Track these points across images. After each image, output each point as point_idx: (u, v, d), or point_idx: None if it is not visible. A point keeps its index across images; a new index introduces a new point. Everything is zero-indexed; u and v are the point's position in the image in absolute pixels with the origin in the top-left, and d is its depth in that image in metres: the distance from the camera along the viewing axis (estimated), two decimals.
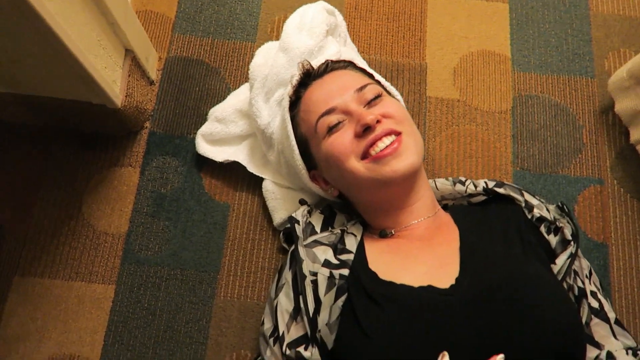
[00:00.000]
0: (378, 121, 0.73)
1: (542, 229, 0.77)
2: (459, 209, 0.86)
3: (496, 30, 1.10)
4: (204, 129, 0.97)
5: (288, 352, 0.68)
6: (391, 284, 0.67)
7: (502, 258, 0.71)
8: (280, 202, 0.92)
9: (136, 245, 0.94)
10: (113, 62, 0.85)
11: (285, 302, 0.73)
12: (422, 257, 0.73)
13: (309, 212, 0.85)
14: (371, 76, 0.85)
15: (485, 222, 0.80)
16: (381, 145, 0.73)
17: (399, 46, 1.08)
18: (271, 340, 0.72)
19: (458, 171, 1.00)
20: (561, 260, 0.73)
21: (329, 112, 0.76)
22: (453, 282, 0.67)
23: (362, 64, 0.88)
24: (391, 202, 0.77)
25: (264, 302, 0.91)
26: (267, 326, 0.74)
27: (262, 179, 0.95)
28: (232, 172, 0.98)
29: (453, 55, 1.08)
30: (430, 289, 0.66)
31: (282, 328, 0.71)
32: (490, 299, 0.63)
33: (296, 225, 0.80)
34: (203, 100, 1.03)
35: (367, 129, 0.73)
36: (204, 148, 0.96)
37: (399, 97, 0.87)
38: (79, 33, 0.72)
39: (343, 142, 0.75)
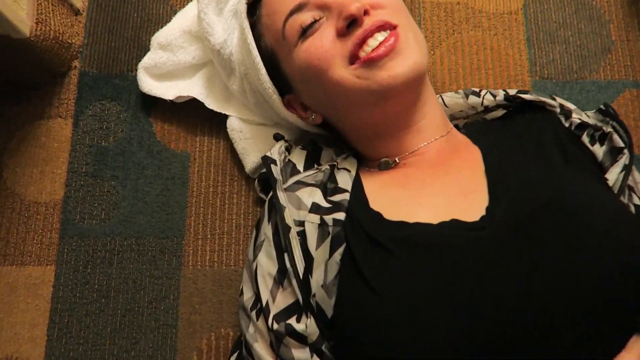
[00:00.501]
0: (366, 12, 0.55)
1: (585, 138, 0.61)
2: (476, 125, 0.69)
3: None
4: (147, 60, 0.77)
5: (276, 326, 0.51)
6: (402, 223, 0.51)
7: (542, 175, 0.55)
8: (251, 143, 0.74)
9: (76, 213, 0.75)
10: None
11: (266, 263, 0.55)
12: (438, 186, 0.57)
13: (287, 149, 0.67)
14: None
15: (512, 136, 0.63)
16: (373, 43, 0.55)
17: None
18: (253, 314, 0.55)
19: (465, 87, 0.82)
20: (613, 174, 0.57)
21: (299, 8, 0.58)
22: (483, 212, 0.51)
23: None
24: (392, 121, 0.60)
25: (243, 268, 0.73)
26: (247, 296, 0.57)
27: (226, 117, 0.76)
28: (189, 112, 0.78)
29: None
30: (454, 223, 0.50)
31: (265, 297, 0.53)
32: (534, 228, 0.47)
33: (272, 166, 0.62)
34: (144, 29, 0.82)
35: (352, 23, 0.55)
36: (150, 85, 0.76)
37: None
38: None
39: (322, 44, 0.56)
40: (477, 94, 0.69)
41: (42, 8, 0.71)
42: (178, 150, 0.78)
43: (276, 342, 0.51)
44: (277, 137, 0.69)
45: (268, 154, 0.64)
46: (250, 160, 0.74)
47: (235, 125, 0.75)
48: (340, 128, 0.66)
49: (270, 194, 0.60)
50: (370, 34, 0.55)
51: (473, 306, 0.44)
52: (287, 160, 0.65)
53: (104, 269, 0.73)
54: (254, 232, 0.62)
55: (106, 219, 0.75)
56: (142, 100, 0.79)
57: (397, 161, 0.61)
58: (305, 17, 0.57)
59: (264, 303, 0.53)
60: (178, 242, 0.74)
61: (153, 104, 0.79)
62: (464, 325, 0.44)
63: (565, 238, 0.46)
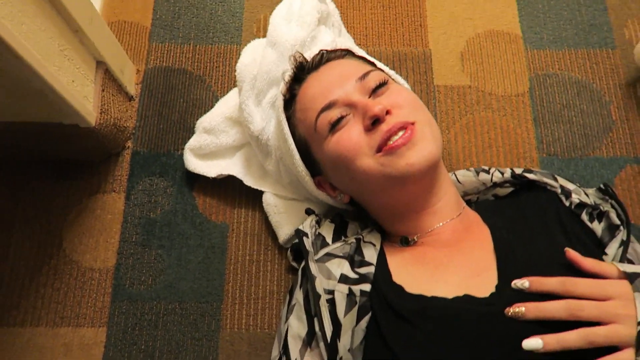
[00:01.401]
0: (388, 112, 0.63)
1: (584, 216, 0.67)
2: (486, 204, 0.76)
3: (502, 8, 1.01)
4: (192, 142, 0.87)
5: None
6: (421, 297, 0.57)
7: (546, 253, 0.61)
8: (285, 216, 0.82)
9: (127, 279, 0.83)
10: (82, 75, 0.76)
11: (296, 325, 0.62)
12: (453, 265, 0.63)
13: (318, 223, 0.75)
14: (372, 64, 0.75)
15: (518, 215, 0.70)
16: (395, 137, 0.62)
17: (398, 34, 0.99)
18: None
19: (478, 163, 0.89)
20: (612, 249, 0.62)
21: (329, 106, 0.66)
22: (493, 290, 0.56)
23: (361, 52, 0.78)
24: (411, 203, 0.67)
25: (275, 332, 0.80)
26: (274, 354, 0.63)
27: (261, 193, 0.85)
28: (228, 188, 0.87)
29: (459, 38, 0.98)
30: (467, 299, 0.56)
31: (294, 356, 0.60)
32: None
33: (304, 238, 0.69)
34: (189, 112, 0.93)
35: (375, 121, 0.63)
36: (194, 164, 0.86)
37: (406, 85, 0.77)
38: (36, 41, 0.62)
39: (350, 137, 0.64)
40: (487, 172, 0.76)
41: (105, 99, 0.82)
42: (218, 221, 0.86)
43: None
44: (309, 212, 0.77)
45: (301, 227, 0.72)
46: (284, 232, 0.82)
47: (270, 200, 0.83)
48: (365, 206, 0.74)
49: (303, 263, 0.67)
50: (393, 132, 0.63)
51: None
52: (317, 233, 0.72)
53: (150, 330, 0.80)
54: (287, 297, 0.69)
55: (153, 284, 0.83)
56: (186, 177, 0.88)
57: (416, 240, 0.68)
58: (334, 114, 0.66)
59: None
60: (217, 306, 0.81)
61: (196, 179, 0.88)
62: None
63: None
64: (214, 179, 0.86)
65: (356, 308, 0.58)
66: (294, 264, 0.80)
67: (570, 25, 0.99)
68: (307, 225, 0.73)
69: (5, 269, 0.83)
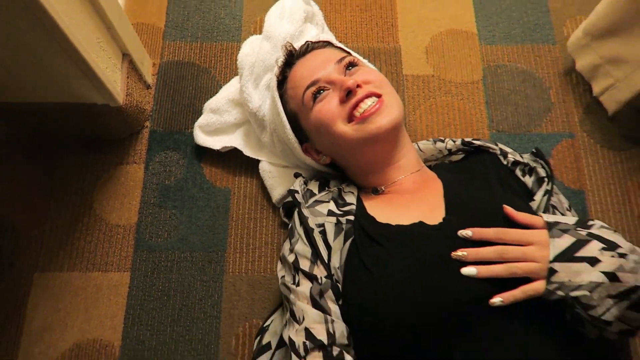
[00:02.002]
0: (358, 85, 0.80)
1: (518, 172, 0.84)
2: (442, 166, 0.93)
3: (462, 10, 1.19)
4: (201, 120, 1.04)
5: (323, 280, 0.72)
6: (388, 225, 0.73)
7: (484, 199, 0.78)
8: (277, 180, 0.99)
9: (146, 233, 1.00)
10: (112, 63, 0.93)
11: (303, 248, 0.76)
12: (412, 205, 0.80)
13: (305, 182, 0.92)
14: (348, 53, 0.93)
15: (465, 173, 0.87)
16: (364, 106, 0.79)
17: (373, 33, 1.17)
18: (293, 286, 0.74)
19: None
20: (538, 196, 0.79)
21: (313, 83, 0.83)
22: (441, 220, 0.73)
23: (340, 45, 0.96)
24: (379, 160, 0.84)
25: (271, 274, 0.97)
26: (288, 277, 0.77)
27: (258, 161, 1.02)
28: (230, 158, 1.05)
29: (424, 36, 1.17)
30: (421, 224, 0.72)
31: (306, 268, 0.74)
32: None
33: (295, 194, 0.86)
34: (197, 98, 1.10)
35: (349, 93, 0.80)
36: (202, 139, 1.03)
37: (376, 69, 0.95)
38: (82, 33, 0.80)
39: (330, 108, 0.81)
40: (442, 141, 0.94)
41: (129, 85, 0.99)
42: (222, 186, 1.04)
43: (319, 295, 0.71)
44: (297, 175, 0.95)
45: (292, 187, 0.89)
46: (277, 193, 0.99)
47: (265, 167, 1.01)
48: (343, 166, 0.91)
49: (295, 214, 0.83)
50: (361, 99, 0.80)
51: (434, 279, 0.66)
52: (305, 189, 0.89)
53: (166, 274, 0.97)
54: (287, 239, 0.83)
55: (168, 237, 1.00)
56: (195, 150, 1.06)
57: (384, 189, 0.85)
58: (316, 89, 0.83)
59: (307, 270, 0.74)
60: (221, 255, 0.98)
61: (203, 152, 1.05)
62: (429, 292, 0.65)
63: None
64: (219, 151, 1.03)
65: (343, 233, 0.75)
66: (285, 219, 0.97)
67: (519, 25, 1.18)
68: (297, 184, 0.90)
69: (46, 227, 1.00)
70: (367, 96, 0.79)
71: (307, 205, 0.83)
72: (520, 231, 0.67)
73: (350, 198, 0.82)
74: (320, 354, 0.67)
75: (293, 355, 0.69)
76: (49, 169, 1.04)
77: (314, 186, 0.89)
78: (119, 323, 0.94)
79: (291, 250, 0.78)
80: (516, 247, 0.65)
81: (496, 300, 0.62)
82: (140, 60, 1.05)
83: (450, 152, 0.93)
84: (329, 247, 0.75)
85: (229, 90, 1.05)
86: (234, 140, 1.03)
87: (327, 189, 0.89)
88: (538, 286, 0.62)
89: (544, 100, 1.11)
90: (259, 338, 0.86)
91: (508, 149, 0.89)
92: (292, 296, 0.74)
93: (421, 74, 1.13)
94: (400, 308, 0.65)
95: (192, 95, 1.11)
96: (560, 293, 0.61)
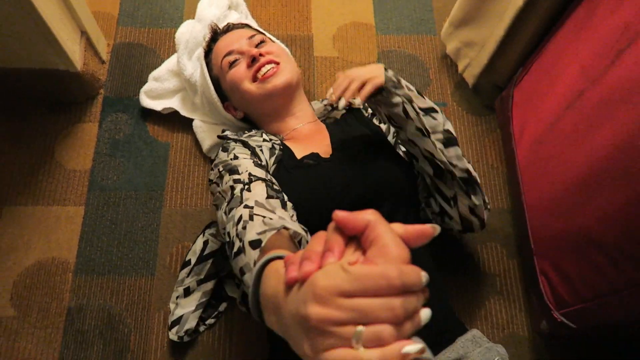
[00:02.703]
0: (261, 54, 1.06)
1: (375, 120, 1.12)
2: (329, 122, 1.20)
3: (364, 7, 1.48)
4: (146, 87, 1.29)
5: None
6: (295, 157, 0.99)
7: (358, 140, 1.05)
8: (207, 134, 1.24)
9: (99, 177, 1.23)
10: (72, 37, 1.17)
11: (242, 151, 0.94)
12: (309, 147, 1.05)
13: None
14: (262, 33, 1.20)
15: (344, 125, 1.14)
16: (264, 70, 1.04)
17: (291, 24, 1.45)
18: (234, 161, 0.90)
19: None
20: (384, 126, 1.09)
21: (229, 53, 1.09)
22: (329, 155, 0.99)
23: (258, 28, 1.23)
24: (279, 110, 1.09)
25: (200, 208, 1.21)
26: (223, 168, 0.90)
27: (192, 120, 1.27)
28: (170, 118, 1.29)
29: (332, 26, 1.45)
30: (315, 154, 0.98)
31: (257, 174, 0.87)
32: (352, 163, 0.96)
33: (228, 134, 1.08)
34: (144, 72, 1.35)
35: (253, 60, 1.06)
36: (147, 102, 1.28)
37: (283, 46, 1.22)
38: (47, 8, 1.04)
39: (239, 71, 1.07)
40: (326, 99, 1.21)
41: (86, 57, 1.23)
42: (163, 141, 1.28)
43: (256, 164, 0.89)
44: (220, 136, 1.19)
45: (223, 134, 1.12)
46: (207, 144, 1.23)
47: (197, 124, 1.25)
48: (254, 118, 1.16)
49: (229, 142, 1.04)
50: (262, 65, 1.05)
51: (328, 192, 0.91)
52: (236, 134, 1.12)
53: (114, 208, 1.20)
54: (215, 168, 1.03)
55: (117, 180, 1.23)
56: (141, 112, 1.30)
57: (285, 137, 1.11)
58: (231, 57, 1.09)
59: (246, 155, 0.94)
60: (160, 193, 1.22)
61: (148, 113, 1.29)
62: (325, 200, 0.90)
63: (363, 168, 0.96)
64: (160, 112, 1.28)
65: (275, 155, 0.98)
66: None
67: (408, 19, 1.47)
68: (227, 133, 1.14)
69: (14, 170, 1.22)
70: (268, 62, 1.05)
71: (242, 137, 1.03)
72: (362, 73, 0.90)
73: (273, 136, 1.07)
74: (263, 183, 0.83)
75: (235, 199, 0.80)
76: (19, 124, 1.26)
77: (240, 132, 1.14)
78: (74, 245, 1.16)
79: (228, 155, 0.95)
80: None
81: (341, 102, 0.88)
82: (96, 39, 1.29)
83: (333, 108, 1.20)
84: (265, 162, 0.96)
85: (170, 63, 1.30)
86: (172, 103, 1.28)
87: (253, 130, 1.12)
88: (380, 80, 0.87)
89: (425, 77, 1.40)
90: (186, 255, 1.10)
91: (370, 108, 1.16)
92: (233, 163, 0.89)
93: (328, 56, 1.41)
94: (308, 208, 0.88)
95: (140, 69, 1.35)
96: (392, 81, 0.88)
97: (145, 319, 1.10)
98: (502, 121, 1.26)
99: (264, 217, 0.71)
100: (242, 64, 1.07)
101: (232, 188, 0.83)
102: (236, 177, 0.85)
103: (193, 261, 1.08)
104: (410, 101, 0.89)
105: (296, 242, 0.67)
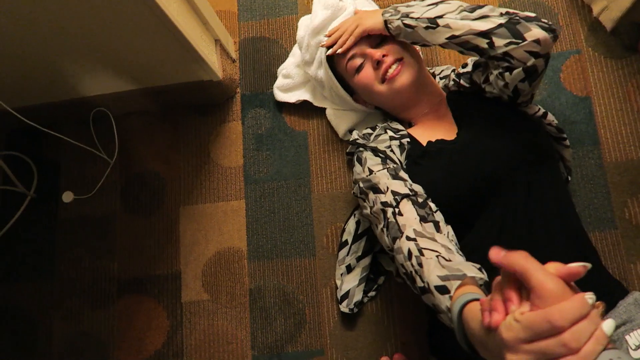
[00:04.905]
0: (384, 55, 1.07)
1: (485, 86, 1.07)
2: (450, 96, 1.18)
3: None
4: (277, 83, 1.37)
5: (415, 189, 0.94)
6: (420, 144, 1.04)
7: (479, 111, 1.05)
8: (340, 120, 1.31)
9: (251, 171, 1.37)
10: (210, 49, 1.27)
11: (372, 159, 1.04)
12: (437, 128, 1.09)
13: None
14: None
15: (462, 96, 1.13)
16: (390, 70, 1.06)
17: None
18: (373, 174, 0.98)
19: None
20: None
21: (352, 57, 1.12)
22: (455, 136, 1.03)
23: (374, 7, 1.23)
24: (407, 102, 1.12)
25: (345, 189, 1.31)
26: (363, 182, 1.00)
27: (324, 109, 1.34)
28: (304, 108, 1.38)
29: None
30: (441, 140, 1.02)
31: (396, 188, 0.93)
32: (478, 140, 0.99)
33: (357, 141, 1.14)
34: (272, 64, 1.43)
35: (378, 62, 1.08)
36: (280, 96, 1.37)
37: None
38: (190, 30, 1.14)
39: (367, 75, 1.10)
40: (446, 77, 1.20)
41: (222, 63, 1.33)
42: (300, 130, 1.37)
43: (395, 171, 0.96)
44: (350, 142, 1.19)
45: (350, 140, 1.17)
46: (341, 129, 1.31)
47: (330, 112, 1.33)
48: (384, 109, 1.20)
49: (361, 151, 1.11)
50: (388, 66, 1.06)
51: (459, 176, 0.97)
52: (362, 134, 1.17)
53: (270, 198, 1.34)
54: (356, 184, 1.09)
55: (267, 172, 1.36)
56: (277, 105, 1.40)
57: (414, 123, 1.14)
58: (356, 62, 1.11)
59: (380, 163, 1.02)
60: (307, 180, 1.34)
61: (283, 106, 1.39)
62: (459, 183, 0.96)
63: (494, 137, 0.98)
64: (294, 103, 1.36)
65: (405, 151, 1.05)
66: (348, 151, 1.29)
67: None
68: (354, 135, 1.18)
69: (180, 173, 1.39)
70: (393, 63, 1.06)
71: (370, 142, 1.11)
72: None
73: (399, 126, 1.12)
74: (409, 201, 0.90)
75: (392, 227, 0.88)
76: (175, 132, 1.42)
77: (366, 130, 1.19)
78: (243, 235, 1.33)
79: (364, 169, 1.03)
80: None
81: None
82: (226, 42, 1.38)
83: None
84: (399, 162, 1.03)
85: (295, 57, 1.37)
86: (304, 94, 1.36)
87: (378, 126, 1.18)
88: (367, 25, 1.09)
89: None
90: (341, 236, 1.22)
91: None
92: (373, 180, 0.97)
93: None
94: (445, 192, 0.95)
95: (268, 62, 1.43)
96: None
97: (315, 294, 1.26)
98: None
99: (436, 252, 0.78)
100: (368, 67, 1.10)
101: (384, 212, 0.91)
102: (382, 198, 0.93)
103: (350, 241, 1.20)
104: (406, 16, 1.02)
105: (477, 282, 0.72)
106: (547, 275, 0.46)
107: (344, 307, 1.20)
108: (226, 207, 1.36)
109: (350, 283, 1.20)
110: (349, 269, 1.21)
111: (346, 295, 1.20)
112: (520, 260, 0.48)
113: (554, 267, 0.48)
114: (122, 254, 1.36)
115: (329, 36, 1.17)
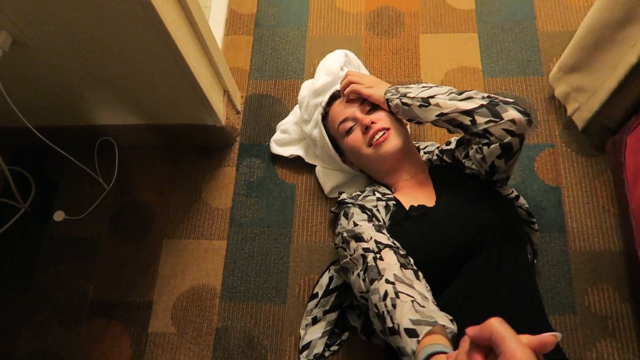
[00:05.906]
0: (373, 122, 1.18)
1: (465, 162, 1.16)
2: (434, 164, 1.28)
3: (470, 52, 1.57)
4: (275, 137, 1.48)
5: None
6: (403, 208, 1.12)
7: (457, 184, 1.13)
8: (328, 178, 1.40)
9: (237, 214, 1.44)
10: (219, 98, 1.39)
11: (359, 216, 1.11)
12: (417, 195, 1.17)
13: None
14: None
15: (443, 168, 1.22)
16: (376, 137, 1.16)
17: (401, 70, 1.57)
18: (356, 227, 1.05)
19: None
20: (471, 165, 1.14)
21: (345, 120, 1.23)
22: (434, 204, 1.11)
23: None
24: (391, 168, 1.21)
25: (324, 243, 1.37)
26: (347, 233, 1.07)
27: (314, 166, 1.44)
28: (296, 163, 1.47)
29: (440, 72, 1.55)
30: (422, 206, 1.10)
31: (381, 240, 1.00)
32: (456, 208, 1.07)
33: (345, 200, 1.23)
34: (272, 120, 1.54)
35: (367, 128, 1.19)
36: (276, 149, 1.47)
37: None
38: (204, 78, 1.26)
39: (356, 138, 1.20)
40: (430, 152, 1.30)
41: (227, 111, 1.45)
42: (290, 182, 1.46)
43: (379, 227, 1.02)
44: (339, 202, 1.29)
45: (339, 199, 1.26)
46: (328, 187, 1.39)
47: (319, 169, 1.42)
48: (368, 172, 1.30)
49: (344, 210, 1.20)
50: (375, 132, 1.16)
51: (438, 240, 1.03)
52: (351, 196, 1.25)
53: (251, 242, 1.40)
54: (339, 235, 1.16)
55: (252, 217, 1.43)
56: (271, 157, 1.49)
57: (395, 189, 1.23)
58: (347, 124, 1.22)
59: (365, 219, 1.09)
60: (289, 229, 1.40)
61: (277, 158, 1.48)
62: (437, 246, 1.02)
63: (470, 208, 1.06)
64: (287, 157, 1.46)
65: (390, 213, 1.13)
66: (333, 210, 1.37)
67: (515, 62, 1.53)
68: (344, 196, 1.27)
69: (171, 207, 1.46)
70: (379, 130, 1.17)
71: (358, 201, 1.19)
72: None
73: (386, 190, 1.21)
74: (391, 250, 0.95)
75: (371, 269, 0.93)
76: (173, 167, 1.51)
77: (355, 193, 1.27)
78: (220, 274, 1.37)
79: (349, 222, 1.11)
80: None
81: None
82: (234, 94, 1.50)
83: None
84: (383, 221, 1.11)
85: (294, 115, 1.49)
86: (297, 150, 1.46)
87: (366, 189, 1.27)
88: (376, 96, 1.19)
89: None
90: (313, 288, 1.26)
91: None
92: (357, 230, 1.04)
93: None
94: (422, 255, 1.01)
95: (269, 118, 1.55)
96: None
97: (279, 341, 1.29)
98: (614, 165, 1.29)
99: (411, 297, 0.83)
100: (358, 131, 1.21)
101: (364, 257, 0.97)
102: (364, 245, 0.99)
103: (320, 294, 1.24)
104: (404, 95, 1.13)
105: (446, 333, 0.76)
106: (519, 344, 0.49)
107: (303, 357, 1.22)
108: (208, 245, 1.41)
109: (313, 334, 1.23)
110: (315, 321, 1.24)
111: (307, 345, 1.22)
112: (496, 324, 0.52)
113: (526, 338, 0.51)
114: (100, 277, 1.40)
115: (348, 76, 1.27)
